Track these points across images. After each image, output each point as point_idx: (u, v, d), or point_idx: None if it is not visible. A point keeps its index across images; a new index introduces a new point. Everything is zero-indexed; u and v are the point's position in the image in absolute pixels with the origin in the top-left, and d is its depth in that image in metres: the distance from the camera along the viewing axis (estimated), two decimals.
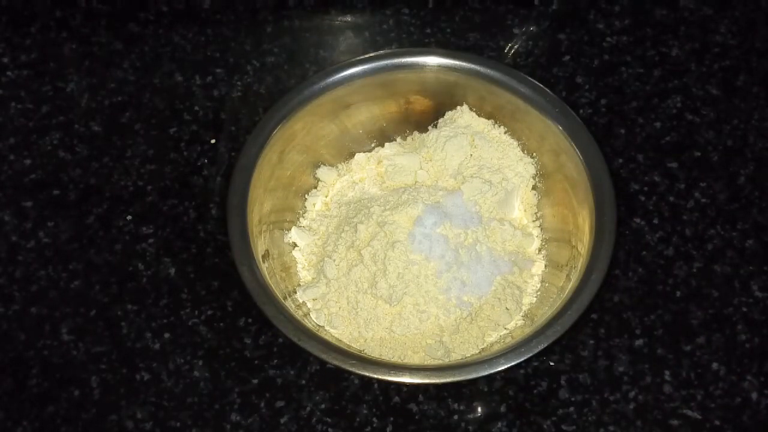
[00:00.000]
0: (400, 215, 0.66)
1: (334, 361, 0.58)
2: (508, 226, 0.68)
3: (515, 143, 0.72)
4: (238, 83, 0.78)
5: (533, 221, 0.71)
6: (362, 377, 0.63)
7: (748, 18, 0.81)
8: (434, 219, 0.66)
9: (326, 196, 0.73)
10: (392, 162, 0.72)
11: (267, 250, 0.66)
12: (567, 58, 0.79)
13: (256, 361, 0.64)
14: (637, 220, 0.71)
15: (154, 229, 0.70)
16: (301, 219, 0.72)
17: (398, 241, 0.65)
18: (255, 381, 0.64)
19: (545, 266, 0.68)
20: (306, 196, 0.73)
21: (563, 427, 0.62)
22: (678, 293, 0.67)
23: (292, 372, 0.64)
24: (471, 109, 0.72)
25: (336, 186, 0.73)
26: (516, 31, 0.81)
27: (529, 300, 0.67)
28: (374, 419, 0.62)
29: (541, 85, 0.68)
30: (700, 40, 0.80)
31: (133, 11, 0.82)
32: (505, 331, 0.65)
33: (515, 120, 0.71)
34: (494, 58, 0.78)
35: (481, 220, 0.68)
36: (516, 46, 0.80)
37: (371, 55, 0.70)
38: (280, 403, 0.63)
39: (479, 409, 0.63)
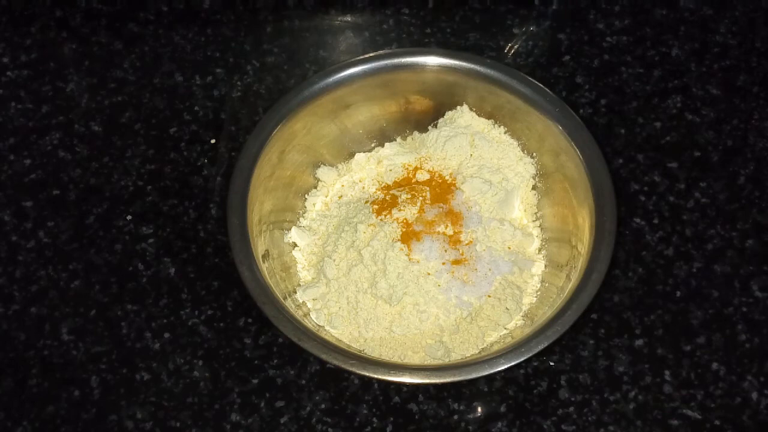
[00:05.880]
0: (400, 215, 0.67)
1: (334, 361, 0.58)
2: (508, 226, 0.69)
3: (515, 143, 0.72)
4: (238, 83, 0.78)
5: (533, 221, 0.71)
6: (362, 377, 0.63)
7: (748, 18, 0.82)
8: None
9: (326, 196, 0.73)
10: (392, 162, 0.73)
11: (267, 250, 0.66)
12: (567, 58, 0.79)
13: (256, 361, 0.65)
14: (637, 220, 0.71)
15: (154, 229, 0.70)
16: (301, 219, 0.72)
17: (398, 241, 0.65)
18: (255, 381, 0.64)
19: (545, 266, 0.68)
20: (306, 196, 0.73)
21: (563, 427, 0.62)
22: (678, 293, 0.67)
23: (292, 372, 0.64)
24: (471, 109, 0.72)
25: (336, 186, 0.73)
26: (516, 31, 0.81)
27: (529, 300, 0.67)
28: (374, 419, 0.62)
29: (541, 85, 0.68)
30: (700, 40, 0.80)
31: (133, 11, 0.82)
32: (505, 331, 0.65)
33: (515, 120, 0.71)
34: (494, 58, 0.78)
35: (481, 220, 0.68)
36: (516, 46, 0.80)
37: (371, 55, 0.70)
38: (280, 403, 0.63)
39: (479, 409, 0.63)
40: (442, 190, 0.70)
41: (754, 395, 0.64)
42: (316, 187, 0.73)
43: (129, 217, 0.71)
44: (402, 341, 0.64)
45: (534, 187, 0.71)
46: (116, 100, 0.77)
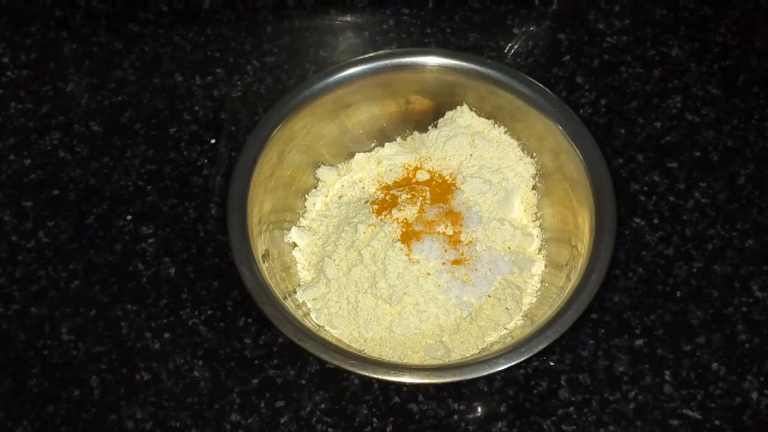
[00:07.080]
0: (400, 215, 0.66)
1: (334, 361, 0.58)
2: (508, 226, 0.69)
3: (515, 143, 0.72)
4: (238, 83, 0.78)
5: (533, 221, 0.71)
6: (362, 377, 0.63)
7: (748, 18, 0.82)
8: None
9: (326, 196, 0.73)
10: (392, 162, 0.73)
11: (267, 250, 0.66)
12: (567, 58, 0.79)
13: (256, 361, 0.65)
14: (637, 220, 0.71)
15: (154, 229, 0.70)
16: (301, 219, 0.72)
17: (398, 241, 0.65)
18: (255, 381, 0.64)
19: (545, 266, 0.68)
20: (306, 196, 0.73)
21: (563, 427, 0.62)
22: (678, 293, 0.67)
23: (292, 372, 0.64)
24: (471, 109, 0.72)
25: (336, 186, 0.73)
26: (516, 31, 0.81)
27: (529, 300, 0.67)
28: (374, 419, 0.62)
29: (541, 85, 0.68)
30: (700, 40, 0.80)
31: (133, 11, 0.82)
32: (505, 331, 0.65)
33: (515, 120, 0.71)
34: (494, 58, 0.78)
35: (481, 220, 0.68)
36: (516, 46, 0.80)
37: (371, 55, 0.70)
38: (280, 403, 0.63)
39: (479, 409, 0.63)
40: (442, 190, 0.70)
41: (754, 395, 0.64)
42: (316, 187, 0.73)
43: (129, 217, 0.71)
44: (402, 341, 0.64)
45: (534, 187, 0.72)
46: (116, 100, 0.77)
